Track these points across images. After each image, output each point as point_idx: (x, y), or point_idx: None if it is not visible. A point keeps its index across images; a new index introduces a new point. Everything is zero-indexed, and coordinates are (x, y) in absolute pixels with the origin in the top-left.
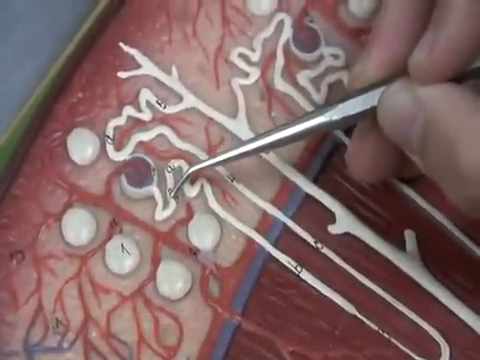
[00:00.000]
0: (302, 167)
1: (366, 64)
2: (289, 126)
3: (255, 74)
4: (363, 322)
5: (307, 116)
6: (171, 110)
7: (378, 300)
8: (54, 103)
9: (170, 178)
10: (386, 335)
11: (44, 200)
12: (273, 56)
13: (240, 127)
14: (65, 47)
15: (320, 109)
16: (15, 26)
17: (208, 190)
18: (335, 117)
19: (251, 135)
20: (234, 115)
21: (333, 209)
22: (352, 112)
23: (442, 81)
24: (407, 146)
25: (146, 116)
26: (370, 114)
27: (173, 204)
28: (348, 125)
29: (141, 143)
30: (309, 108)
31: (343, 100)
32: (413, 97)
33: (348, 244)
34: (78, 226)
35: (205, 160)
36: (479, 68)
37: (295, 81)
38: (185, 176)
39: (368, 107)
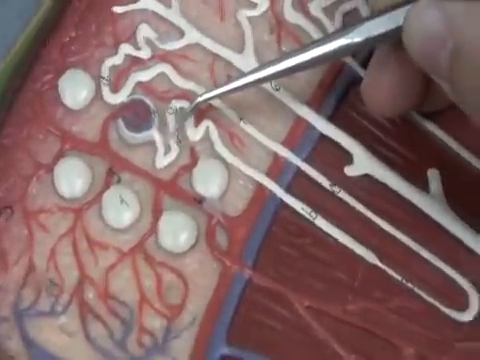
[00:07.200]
0: (316, 105)
1: None
2: (307, 50)
3: (263, 4)
4: (385, 271)
5: (327, 38)
6: (172, 46)
7: (401, 247)
8: (44, 44)
9: (172, 121)
10: (410, 285)
11: (35, 149)
12: None
13: (247, 62)
14: None
15: (341, 31)
16: None
17: (214, 133)
18: (357, 38)
19: None
20: (240, 50)
21: (350, 149)
22: (375, 33)
23: None
24: (435, 70)
25: (145, 54)
26: (394, 36)
27: (175, 149)
28: (370, 48)
29: (140, 83)
30: None
31: (365, 21)
32: (443, 14)
33: (367, 187)
34: (72, 177)
35: (215, 89)
36: None
37: (307, 11)
38: (193, 106)
39: (393, 27)
